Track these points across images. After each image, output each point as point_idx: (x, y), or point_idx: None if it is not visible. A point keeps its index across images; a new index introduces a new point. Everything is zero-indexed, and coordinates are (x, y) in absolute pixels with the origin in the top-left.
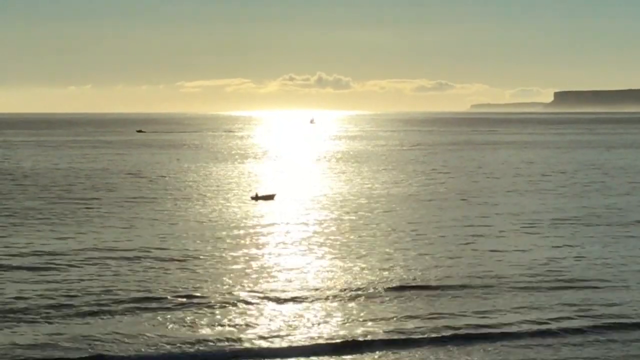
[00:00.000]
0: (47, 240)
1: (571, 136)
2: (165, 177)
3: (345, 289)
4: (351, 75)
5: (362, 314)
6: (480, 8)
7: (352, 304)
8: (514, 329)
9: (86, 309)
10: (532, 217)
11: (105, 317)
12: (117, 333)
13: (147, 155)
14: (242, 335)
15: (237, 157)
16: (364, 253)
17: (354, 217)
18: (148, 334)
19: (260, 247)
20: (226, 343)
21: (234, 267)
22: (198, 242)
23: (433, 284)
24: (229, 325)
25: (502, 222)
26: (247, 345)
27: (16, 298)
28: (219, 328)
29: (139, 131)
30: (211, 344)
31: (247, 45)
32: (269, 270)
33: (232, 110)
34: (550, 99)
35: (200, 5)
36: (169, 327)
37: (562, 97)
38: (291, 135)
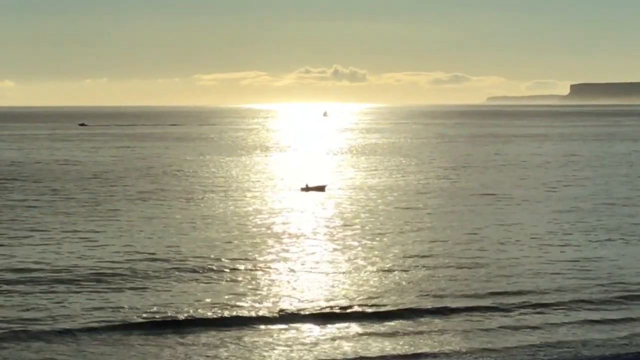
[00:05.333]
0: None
1: (592, 128)
2: (197, 171)
3: (398, 301)
4: (367, 68)
5: (409, 329)
6: (497, 0)
7: (401, 320)
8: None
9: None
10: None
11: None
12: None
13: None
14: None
15: (262, 150)
16: (420, 254)
17: (403, 210)
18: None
19: (316, 242)
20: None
21: (287, 268)
22: (255, 236)
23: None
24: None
25: (549, 221)
26: None
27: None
28: (278, 350)
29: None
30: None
31: (263, 38)
32: (324, 272)
33: (247, 103)
34: (567, 91)
35: None
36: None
37: (578, 89)
38: (303, 129)
